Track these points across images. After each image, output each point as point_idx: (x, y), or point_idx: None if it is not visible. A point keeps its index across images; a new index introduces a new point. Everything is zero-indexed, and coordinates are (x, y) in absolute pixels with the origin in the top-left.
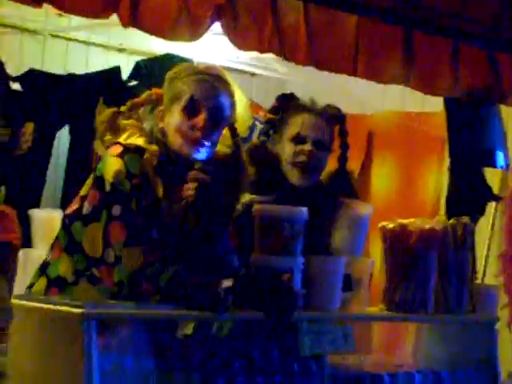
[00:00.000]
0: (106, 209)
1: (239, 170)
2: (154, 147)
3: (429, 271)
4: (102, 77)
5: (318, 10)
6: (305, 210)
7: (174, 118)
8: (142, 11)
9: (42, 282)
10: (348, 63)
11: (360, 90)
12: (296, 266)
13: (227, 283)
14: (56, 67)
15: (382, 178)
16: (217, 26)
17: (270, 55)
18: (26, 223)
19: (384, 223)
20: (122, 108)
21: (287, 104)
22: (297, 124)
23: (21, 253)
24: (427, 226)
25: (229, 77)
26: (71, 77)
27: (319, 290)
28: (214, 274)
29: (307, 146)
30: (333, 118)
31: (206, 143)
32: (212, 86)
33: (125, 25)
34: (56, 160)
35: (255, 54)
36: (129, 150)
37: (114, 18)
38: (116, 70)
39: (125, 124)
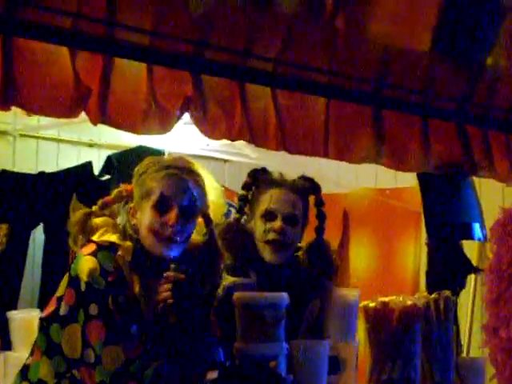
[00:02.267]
0: (82, 308)
1: (214, 256)
2: (128, 243)
3: (414, 348)
4: (74, 173)
5: (286, 95)
6: (285, 295)
7: (145, 216)
8: (111, 107)
9: None
10: (319, 146)
11: (333, 169)
12: (281, 352)
13: (212, 375)
14: (27, 167)
15: (361, 256)
16: (187, 116)
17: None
18: (4, 325)
19: (365, 302)
20: (94, 208)
21: (258, 179)
22: (266, 200)
23: (0, 356)
24: (409, 303)
25: (198, 165)
26: (43, 175)
27: (305, 375)
28: (199, 367)
29: (277, 223)
30: (305, 189)
31: (179, 239)
32: (181, 179)
33: (94, 122)
34: (32, 259)
35: (226, 140)
36: (102, 248)
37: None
38: (87, 166)
39: (97, 223)
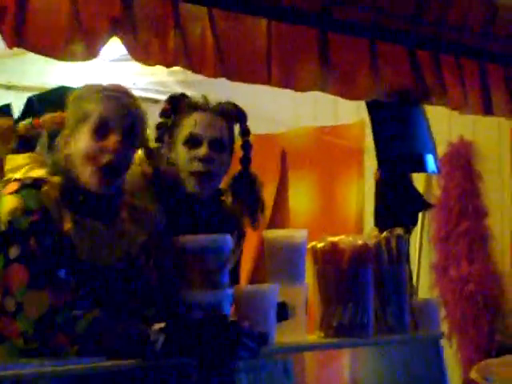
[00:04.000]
0: (2, 252)
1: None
2: (56, 178)
3: (365, 290)
4: None
5: (224, 16)
6: (229, 237)
7: (81, 142)
8: (29, 28)
9: None
10: (261, 71)
11: (270, 107)
12: (225, 300)
13: (158, 326)
14: None
15: (301, 199)
16: (113, 53)
17: (171, 78)
18: None
19: (313, 243)
20: (20, 126)
21: (178, 105)
22: (189, 124)
23: None
24: (359, 242)
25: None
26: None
27: (252, 323)
28: (139, 315)
29: (202, 150)
30: (231, 115)
31: (120, 168)
32: (121, 102)
33: (10, 45)
34: None
35: (155, 78)
36: (26, 185)
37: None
38: (6, 109)
39: (20, 159)
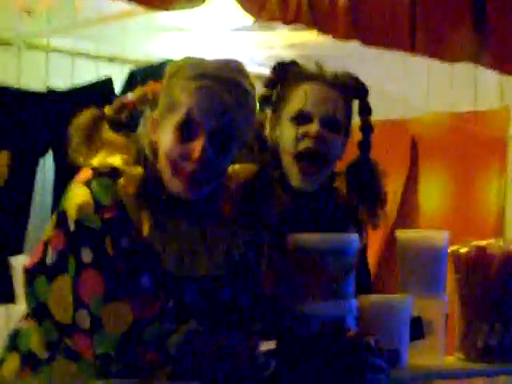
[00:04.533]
0: (73, 255)
1: (265, 195)
2: (136, 170)
3: None
4: (91, 91)
5: None
6: (355, 237)
7: (165, 136)
8: None
9: (13, 359)
10: (403, 36)
11: (400, 89)
12: (349, 313)
13: (267, 345)
14: (35, 83)
15: (432, 194)
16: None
17: (291, 52)
18: (6, 273)
19: (455, 247)
20: (107, 110)
21: (287, 74)
22: (298, 98)
23: (2, 309)
24: None
25: (250, 76)
26: (53, 93)
27: (382, 341)
28: (245, 332)
29: (313, 127)
30: (350, 89)
31: (204, 178)
32: (217, 96)
33: None
34: (40, 194)
35: (272, 52)
36: (99, 174)
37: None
38: (107, 83)
39: (106, 137)
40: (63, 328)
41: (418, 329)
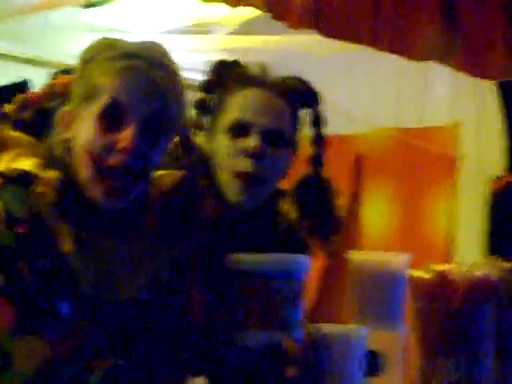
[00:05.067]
0: None
1: (193, 202)
2: (52, 173)
3: (484, 339)
4: (5, 94)
5: None
6: (304, 258)
7: (83, 128)
8: None
9: None
10: (365, 28)
11: (344, 102)
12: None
13: (198, 380)
14: None
15: (377, 213)
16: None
17: (230, 57)
18: None
19: (413, 272)
20: (7, 107)
21: (227, 75)
22: (237, 105)
23: None
24: (478, 274)
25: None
26: None
27: (331, 377)
28: (173, 363)
29: (251, 140)
30: (298, 96)
31: (133, 176)
32: (146, 76)
33: None
34: None
35: (208, 57)
36: (10, 182)
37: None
38: (23, 85)
39: (9, 137)
40: None
41: (373, 364)
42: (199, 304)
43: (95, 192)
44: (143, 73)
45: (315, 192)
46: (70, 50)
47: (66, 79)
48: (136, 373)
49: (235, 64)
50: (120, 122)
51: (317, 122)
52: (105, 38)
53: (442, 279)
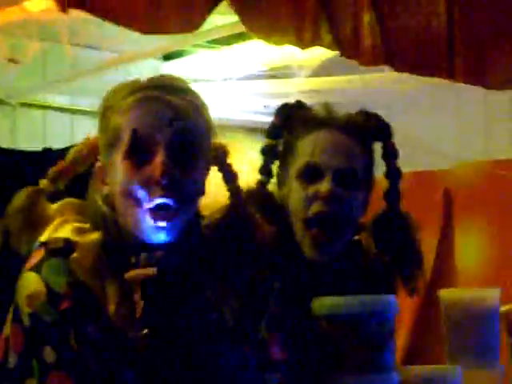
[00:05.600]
0: (35, 356)
1: (247, 229)
2: (92, 236)
3: None
4: None
5: None
6: (393, 298)
7: (116, 174)
8: None
9: None
10: (440, 59)
11: (430, 137)
12: None
13: None
14: (31, 142)
15: (470, 250)
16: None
17: (307, 100)
18: None
19: (507, 307)
20: (42, 183)
21: (293, 118)
22: (306, 148)
23: None
24: None
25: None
26: (49, 153)
27: None
28: None
29: (325, 184)
30: (368, 131)
31: (174, 204)
32: (162, 103)
33: (61, 6)
34: None
35: (289, 100)
36: (51, 254)
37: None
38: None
39: (51, 209)
40: None
41: None
42: (275, 346)
43: (141, 230)
44: (159, 98)
45: (392, 227)
46: None
47: (91, 140)
48: None
49: (300, 105)
50: (147, 153)
51: (389, 154)
52: (115, 86)
53: None
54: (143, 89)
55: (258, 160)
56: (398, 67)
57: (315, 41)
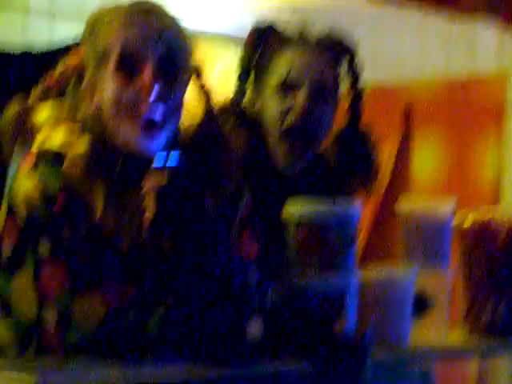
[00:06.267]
0: (29, 248)
1: (219, 141)
2: (81, 146)
3: None
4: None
5: None
6: (357, 205)
7: (106, 87)
8: None
9: None
10: None
11: (392, 50)
12: (350, 289)
13: (255, 323)
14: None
15: (426, 161)
16: None
17: (280, 17)
18: None
19: (459, 219)
20: (31, 100)
21: (267, 37)
22: (283, 65)
23: None
24: None
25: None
26: (28, 56)
27: (383, 320)
28: (228, 305)
29: (301, 96)
30: (337, 51)
31: (162, 114)
32: (149, 22)
33: None
34: None
35: (261, 15)
36: (43, 158)
37: None
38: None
39: (40, 120)
40: (29, 327)
41: (421, 303)
42: (246, 246)
43: (130, 141)
44: (145, 21)
45: (354, 142)
46: None
47: (75, 54)
48: (192, 314)
49: (272, 26)
50: (136, 67)
51: (354, 74)
52: (102, 7)
53: (484, 227)
54: (130, 10)
55: (232, 67)
56: None
57: None
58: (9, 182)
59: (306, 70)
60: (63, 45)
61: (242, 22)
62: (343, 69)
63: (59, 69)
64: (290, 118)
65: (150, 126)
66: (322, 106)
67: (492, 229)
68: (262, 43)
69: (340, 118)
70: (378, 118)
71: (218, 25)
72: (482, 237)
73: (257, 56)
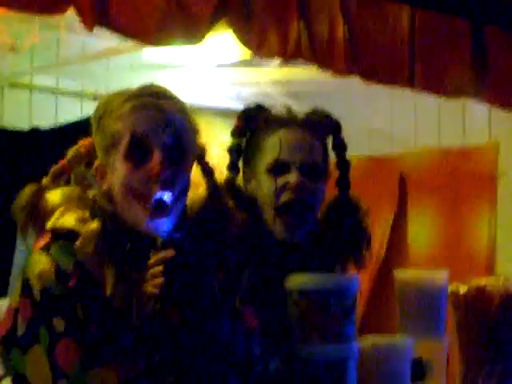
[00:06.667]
0: (44, 325)
1: (223, 217)
2: (92, 226)
3: None
4: (75, 130)
5: (360, 3)
6: (356, 278)
7: (117, 173)
8: (113, 5)
9: None
10: (402, 70)
11: (386, 124)
12: (351, 355)
13: None
14: (18, 122)
15: (422, 230)
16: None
17: (276, 89)
18: None
19: (454, 287)
20: (44, 180)
21: (256, 120)
22: (273, 146)
23: None
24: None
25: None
26: (36, 132)
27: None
28: (232, 374)
29: (293, 176)
30: (323, 128)
31: (171, 198)
32: (158, 109)
33: (87, 24)
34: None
35: (258, 89)
36: (57, 238)
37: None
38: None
39: (53, 200)
40: None
41: (419, 371)
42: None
43: (140, 222)
44: (153, 105)
45: (344, 212)
46: (130, 86)
47: (87, 141)
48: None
49: (261, 108)
50: (145, 153)
51: (340, 147)
52: (108, 95)
53: (479, 293)
54: (137, 96)
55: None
56: (366, 77)
57: (297, 54)
58: (22, 259)
59: (296, 150)
60: (68, 122)
61: (241, 95)
62: (330, 141)
63: (71, 153)
64: (285, 196)
65: (160, 210)
66: (313, 181)
67: (486, 294)
68: (252, 124)
69: (330, 189)
70: (373, 188)
71: (215, 98)
72: (476, 302)
73: (247, 138)
